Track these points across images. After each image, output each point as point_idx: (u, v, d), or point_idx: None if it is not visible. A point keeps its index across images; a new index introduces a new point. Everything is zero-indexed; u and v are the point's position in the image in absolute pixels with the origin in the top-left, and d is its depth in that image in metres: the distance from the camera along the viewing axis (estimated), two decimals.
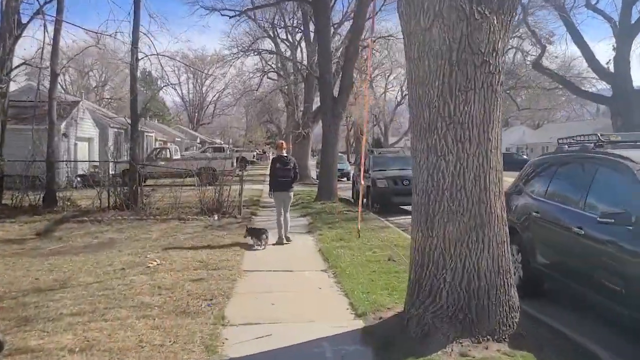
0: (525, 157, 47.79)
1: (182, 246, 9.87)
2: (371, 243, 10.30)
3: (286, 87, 37.13)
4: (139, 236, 10.95)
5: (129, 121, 16.08)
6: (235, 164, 27.19)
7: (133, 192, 14.21)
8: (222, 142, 75.48)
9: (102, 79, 69.50)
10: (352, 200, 20.99)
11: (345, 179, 35.15)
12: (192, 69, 61.95)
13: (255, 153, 45.64)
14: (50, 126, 14.56)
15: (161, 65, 69.71)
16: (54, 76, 14.61)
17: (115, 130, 32.43)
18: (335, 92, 18.41)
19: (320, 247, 10.09)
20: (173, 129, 70.33)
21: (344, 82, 18.04)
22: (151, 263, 8.25)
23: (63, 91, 65.78)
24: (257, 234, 9.93)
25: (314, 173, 35.22)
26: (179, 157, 28.30)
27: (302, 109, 37.53)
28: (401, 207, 17.87)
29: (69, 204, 14.31)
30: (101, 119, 31.52)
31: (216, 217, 13.57)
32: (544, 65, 24.84)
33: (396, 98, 65.69)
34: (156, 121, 72.82)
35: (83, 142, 27.08)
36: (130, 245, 10.07)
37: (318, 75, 18.89)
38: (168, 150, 26.49)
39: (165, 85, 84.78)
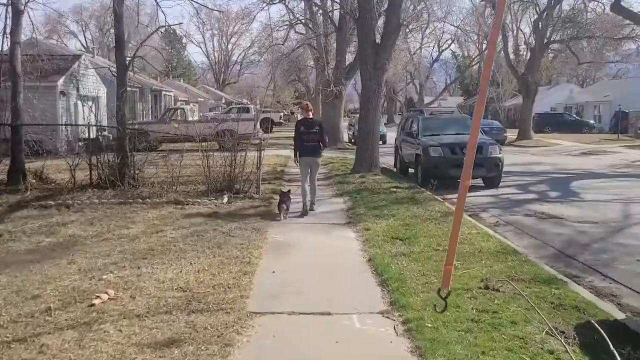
0: (576, 117, 43.14)
1: (165, 254, 6.55)
2: (445, 243, 6.85)
3: (315, 39, 33.17)
4: (114, 232, 7.66)
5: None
6: (258, 126, 23.68)
7: (119, 165, 10.93)
8: (248, 102, 72.04)
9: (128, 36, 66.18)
10: (395, 170, 17.44)
11: (381, 142, 31.43)
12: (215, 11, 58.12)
13: (282, 114, 42.10)
14: (13, 80, 11.25)
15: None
16: (15, 13, 11.18)
17: (129, 88, 29.17)
18: (378, 39, 14.63)
19: (371, 255, 6.67)
20: (198, 88, 67.04)
21: (390, 25, 14.23)
22: (98, 298, 4.93)
23: (84, 49, 62.92)
24: (279, 200, 9.03)
25: (346, 136, 31.64)
26: (196, 118, 24.96)
27: (333, 65, 33.67)
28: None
29: (36, 180, 11.08)
30: (112, 76, 28.25)
31: (225, 199, 10.22)
32: (624, 7, 20.40)
33: (431, 55, 60.86)
34: (182, 80, 69.64)
35: (87, 102, 23.95)
36: (93, 249, 6.80)
37: (357, 16, 15.08)
38: (183, 110, 23.17)
39: (187, 42, 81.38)
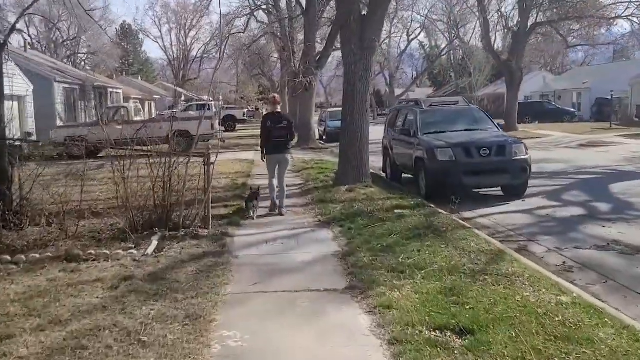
0: (556, 105, 40.71)
1: None
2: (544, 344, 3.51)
3: (279, 27, 29.56)
4: None
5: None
6: (216, 125, 19.98)
7: None
8: (211, 99, 67.75)
9: (75, 32, 60.84)
10: (385, 175, 14.06)
11: None
12: None
13: (245, 110, 38.39)
14: None
15: None
16: None
17: (66, 86, 24.97)
18: (363, 10, 11.14)
19: None
20: (156, 85, 62.43)
21: None
22: None
23: (29, 46, 57.56)
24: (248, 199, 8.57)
25: (316, 132, 28.11)
26: (151, 117, 21.06)
27: (300, 55, 30.15)
28: (472, 190, 11.11)
29: None
30: (43, 71, 24.01)
31: (152, 246, 6.51)
32: None
33: (399, 45, 57.78)
34: (139, 78, 64.80)
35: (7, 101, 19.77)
36: None
37: None
38: (126, 109, 19.30)
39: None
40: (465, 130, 11.35)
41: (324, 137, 27.78)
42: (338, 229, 7.63)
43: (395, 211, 8.46)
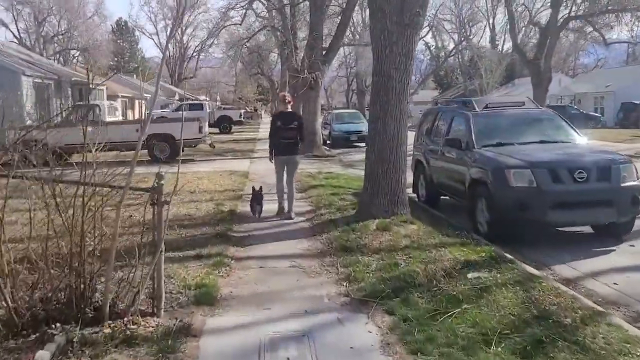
0: (580, 110, 37.46)
1: None
2: None
3: (279, 19, 26.37)
4: None
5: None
6: (205, 128, 16.72)
7: None
8: (208, 99, 64.45)
9: (66, 26, 57.46)
10: (416, 198, 10.77)
11: (363, 144, 24.83)
12: None
13: (242, 111, 35.11)
14: None
15: None
16: None
17: (38, 80, 21.65)
18: None
19: None
20: (150, 84, 59.05)
21: None
22: None
23: (16, 40, 54.22)
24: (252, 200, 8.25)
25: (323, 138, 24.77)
26: (118, 118, 17.76)
27: (302, 51, 26.95)
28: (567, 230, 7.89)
29: None
30: (10, 63, 20.70)
31: None
32: None
33: None
34: (134, 76, 61.46)
35: None
36: None
37: None
38: (97, 108, 16.04)
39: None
40: (541, 142, 8.11)
41: (329, 142, 24.53)
42: (385, 319, 4.33)
43: (469, 276, 5.20)
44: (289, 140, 8.06)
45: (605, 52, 62.39)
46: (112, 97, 33.93)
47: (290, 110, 8.40)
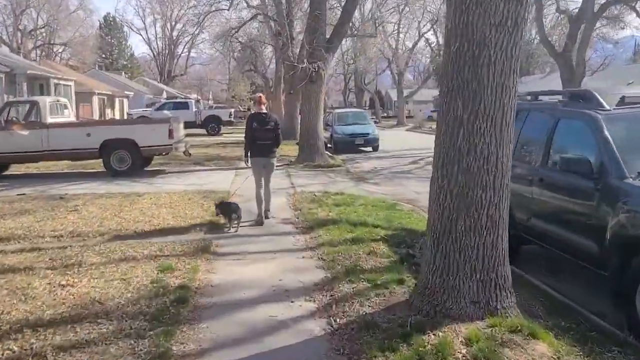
0: None
1: None
2: None
3: (272, 5, 22.60)
4: None
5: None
6: (178, 133, 12.84)
7: None
8: (199, 98, 60.46)
9: (45, 20, 53.27)
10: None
11: (370, 148, 21.11)
12: None
13: (232, 110, 31.17)
14: None
15: None
16: None
17: None
18: None
19: None
20: (136, 81, 55.07)
21: None
22: None
23: None
24: (227, 210, 7.17)
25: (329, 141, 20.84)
26: (70, 119, 13.78)
27: (302, 39, 23.24)
28: None
29: None
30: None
31: None
32: None
33: (403, 42, 50.42)
34: (122, 74, 57.45)
35: None
36: None
37: None
38: (37, 106, 12.12)
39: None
40: None
41: (330, 146, 20.74)
42: None
43: None
44: (265, 141, 7.60)
45: (614, 50, 59.11)
46: (87, 94, 30.02)
47: (265, 111, 7.82)
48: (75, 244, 6.28)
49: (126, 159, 12.43)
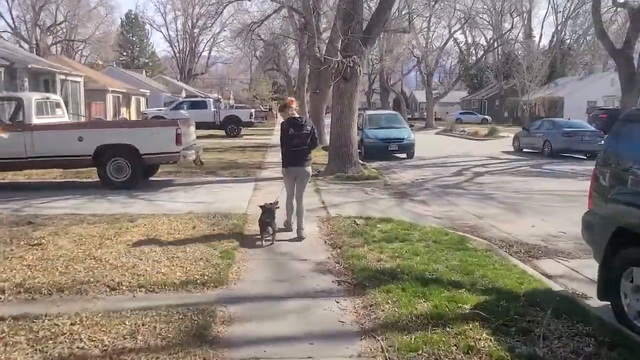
0: None
1: None
2: None
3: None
4: None
5: None
6: (188, 137, 10.65)
7: None
8: (220, 97, 58.66)
9: (65, 16, 52.00)
10: (622, 322, 4.55)
11: (404, 155, 18.80)
12: None
13: (252, 111, 29.02)
14: None
15: None
16: None
17: None
18: None
19: None
20: (155, 79, 53.48)
21: None
22: None
23: (10, 30, 48.87)
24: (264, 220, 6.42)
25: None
26: (64, 119, 11.73)
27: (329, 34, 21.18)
28: None
29: None
30: None
31: None
32: None
33: (430, 40, 47.59)
34: (143, 72, 55.99)
35: None
36: None
37: None
38: (21, 105, 10.10)
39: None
40: None
41: (359, 152, 18.45)
42: None
43: None
44: (300, 147, 6.83)
45: None
46: (100, 92, 28.24)
47: (298, 115, 7.03)
48: (9, 310, 4.14)
49: (125, 168, 10.33)
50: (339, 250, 6.15)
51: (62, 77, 20.19)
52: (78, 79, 22.16)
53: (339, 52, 12.03)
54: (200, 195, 9.79)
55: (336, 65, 12.38)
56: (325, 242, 6.64)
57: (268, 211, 6.52)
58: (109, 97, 28.96)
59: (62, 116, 11.65)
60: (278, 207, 6.75)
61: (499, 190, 11.81)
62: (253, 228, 7.11)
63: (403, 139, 18.61)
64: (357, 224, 7.42)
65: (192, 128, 11.73)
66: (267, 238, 6.41)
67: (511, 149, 22.67)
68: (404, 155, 18.97)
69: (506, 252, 6.56)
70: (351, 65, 12.08)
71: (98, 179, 10.57)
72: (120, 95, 31.42)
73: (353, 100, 12.62)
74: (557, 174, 14.84)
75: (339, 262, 5.72)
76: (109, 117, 27.39)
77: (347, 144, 12.64)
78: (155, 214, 7.90)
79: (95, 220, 7.38)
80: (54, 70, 19.55)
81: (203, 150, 16.11)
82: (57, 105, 11.63)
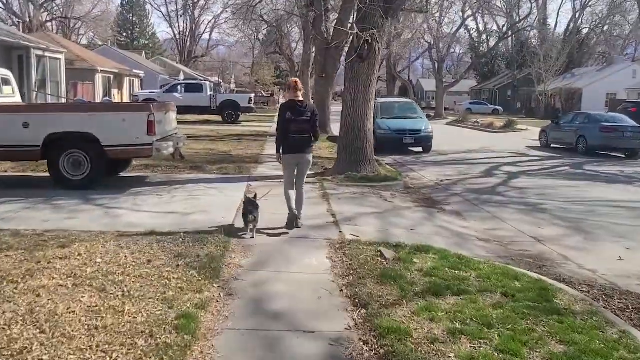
0: None
1: None
2: None
3: None
4: None
5: None
6: (160, 127, 8.33)
7: None
8: (221, 81, 56.25)
9: None
10: None
11: (420, 149, 16.56)
12: None
13: (252, 96, 26.48)
14: None
15: None
16: None
17: None
18: None
19: None
20: (153, 61, 51.01)
21: None
22: None
23: (2, 5, 46.37)
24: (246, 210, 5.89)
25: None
26: (15, 100, 9.53)
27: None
28: None
29: None
30: None
31: None
32: None
33: (439, 25, 44.73)
34: (143, 54, 53.49)
35: None
36: None
37: None
38: None
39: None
40: None
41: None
42: None
43: None
44: (300, 134, 6.26)
45: None
46: (89, 71, 25.92)
47: (301, 98, 6.32)
48: None
49: (83, 163, 8.11)
50: (363, 311, 3.94)
51: (39, 52, 17.82)
52: (58, 55, 19.77)
53: (354, 24, 9.71)
54: (176, 201, 7.57)
55: (350, 41, 10.09)
56: (342, 290, 4.44)
57: (250, 202, 5.97)
58: (99, 78, 26.62)
59: (11, 95, 9.39)
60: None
61: (546, 198, 9.57)
62: (236, 261, 4.93)
63: (420, 130, 16.34)
64: (384, 258, 5.21)
65: (173, 114, 9.45)
66: (251, 228, 5.80)
67: (535, 143, 20.41)
68: (419, 149, 16.73)
69: (614, 312, 4.36)
70: (369, 41, 9.76)
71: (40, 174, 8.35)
72: (112, 76, 29.07)
73: (370, 85, 10.33)
74: (607, 177, 12.58)
75: (367, 341, 3.50)
76: (98, 98, 25.09)
77: (362, 137, 10.37)
78: (105, 232, 5.70)
79: (13, 243, 5.17)
80: (29, 44, 17.18)
81: (191, 140, 13.83)
82: (5, 81, 9.35)
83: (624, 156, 16.79)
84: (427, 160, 14.90)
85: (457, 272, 4.91)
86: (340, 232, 6.34)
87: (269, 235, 5.98)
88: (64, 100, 18.62)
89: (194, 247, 5.24)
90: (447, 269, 4.94)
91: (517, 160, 15.37)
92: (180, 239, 5.46)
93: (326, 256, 5.32)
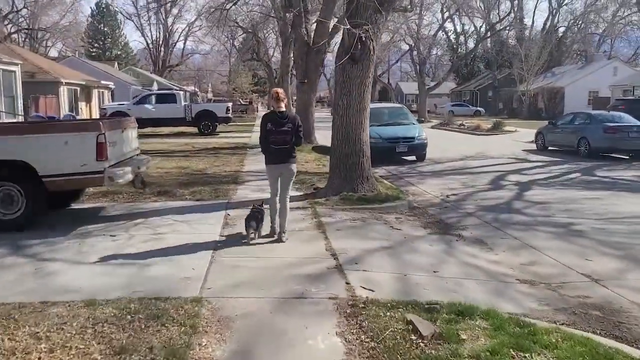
0: None
1: None
2: None
3: None
4: None
5: None
6: (115, 149, 6.64)
7: None
8: (197, 90, 54.37)
9: (26, 3, 46.93)
10: None
11: (413, 157, 15.16)
12: None
13: (229, 105, 24.62)
14: None
15: None
16: None
17: None
18: None
19: None
20: (125, 71, 48.89)
21: None
22: None
23: None
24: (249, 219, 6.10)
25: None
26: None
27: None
28: None
29: None
30: None
31: None
32: None
33: (417, 27, 43.57)
34: (115, 65, 51.26)
35: None
36: None
37: None
38: None
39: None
40: None
41: None
42: None
43: None
44: (282, 145, 6.23)
45: None
46: (52, 84, 23.95)
47: (283, 109, 6.25)
48: None
49: (16, 198, 6.42)
50: None
51: None
52: (13, 67, 17.86)
53: (345, 20, 8.19)
54: (134, 244, 5.92)
55: (345, 41, 8.57)
56: None
57: (256, 211, 6.12)
58: (63, 90, 24.65)
59: None
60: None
61: (575, 215, 8.16)
62: (208, 353, 3.34)
63: (413, 138, 14.91)
64: (419, 334, 3.65)
65: (132, 132, 7.77)
66: (252, 235, 5.95)
67: (531, 146, 19.20)
68: (412, 158, 15.31)
69: None
70: (362, 39, 8.26)
71: None
72: (79, 89, 27.08)
73: (364, 90, 8.84)
74: (626, 184, 11.25)
75: None
76: (63, 113, 23.13)
77: (357, 151, 8.86)
78: (24, 305, 4.05)
79: None
80: None
81: (161, 157, 12.18)
82: None
83: (627, 157, 15.62)
84: (424, 171, 13.45)
85: (519, 351, 3.41)
86: (347, 283, 4.80)
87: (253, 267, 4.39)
88: (21, 118, 16.73)
89: (147, 330, 3.62)
90: (510, 350, 3.42)
91: (521, 167, 14.02)
92: (129, 316, 3.83)
93: (336, 331, 3.76)
